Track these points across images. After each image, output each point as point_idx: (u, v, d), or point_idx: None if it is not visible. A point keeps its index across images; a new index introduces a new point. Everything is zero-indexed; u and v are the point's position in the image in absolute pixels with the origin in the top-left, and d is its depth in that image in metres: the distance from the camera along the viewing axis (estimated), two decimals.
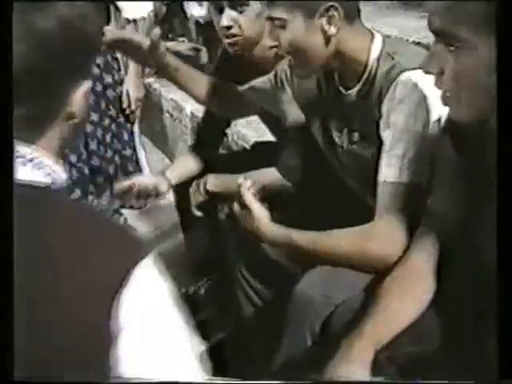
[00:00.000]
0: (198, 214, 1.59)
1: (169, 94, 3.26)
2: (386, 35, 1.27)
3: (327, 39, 1.17)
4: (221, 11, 1.52)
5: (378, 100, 1.17)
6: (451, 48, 0.86)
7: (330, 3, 1.14)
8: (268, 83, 1.50)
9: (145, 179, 1.73)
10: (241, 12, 1.50)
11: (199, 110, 2.22)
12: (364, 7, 1.32)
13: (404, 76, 1.13)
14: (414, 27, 2.43)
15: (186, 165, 1.71)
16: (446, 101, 0.92)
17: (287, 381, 1.07)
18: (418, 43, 2.13)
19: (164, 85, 3.40)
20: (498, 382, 0.70)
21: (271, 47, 1.21)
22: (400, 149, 1.11)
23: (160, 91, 3.38)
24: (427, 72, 0.91)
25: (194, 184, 1.60)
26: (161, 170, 1.76)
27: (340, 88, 1.26)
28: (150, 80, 3.55)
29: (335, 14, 1.15)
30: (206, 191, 1.57)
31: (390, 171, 1.12)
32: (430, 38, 2.12)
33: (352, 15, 1.19)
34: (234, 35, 1.52)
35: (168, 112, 3.28)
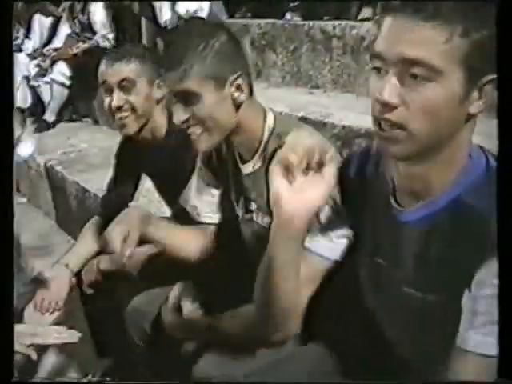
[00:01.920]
0: (90, 291, 1.63)
1: (71, 176, 3.26)
2: (278, 112, 1.38)
3: (237, 107, 1.24)
4: (111, 92, 1.61)
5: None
6: (415, 78, 0.79)
7: (239, 73, 1.22)
8: None
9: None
10: (130, 93, 1.59)
11: (102, 191, 2.24)
12: (259, 84, 1.45)
13: (287, 137, 1.21)
14: (303, 103, 2.64)
15: (86, 247, 1.72)
16: (389, 136, 0.84)
17: None
18: (305, 119, 2.32)
19: (65, 167, 3.40)
20: (498, 381, 0.75)
21: (183, 122, 1.22)
22: None
23: (62, 174, 3.37)
24: (386, 103, 0.81)
25: (87, 264, 1.64)
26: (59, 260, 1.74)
27: (238, 161, 1.35)
28: (52, 162, 3.54)
29: (243, 82, 1.23)
30: (100, 271, 1.61)
31: None
32: (315, 114, 2.34)
33: (251, 89, 1.28)
34: (126, 116, 1.60)
35: (72, 194, 3.27)
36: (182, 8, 4.00)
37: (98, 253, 1.68)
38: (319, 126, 2.22)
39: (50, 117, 4.76)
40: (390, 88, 0.81)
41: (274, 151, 1.23)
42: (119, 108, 1.60)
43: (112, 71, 1.60)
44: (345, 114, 2.33)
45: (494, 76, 0.80)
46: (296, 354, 1.17)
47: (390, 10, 0.81)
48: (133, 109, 1.60)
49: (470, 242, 0.83)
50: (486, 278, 0.81)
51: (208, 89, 1.20)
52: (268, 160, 1.26)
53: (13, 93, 0.60)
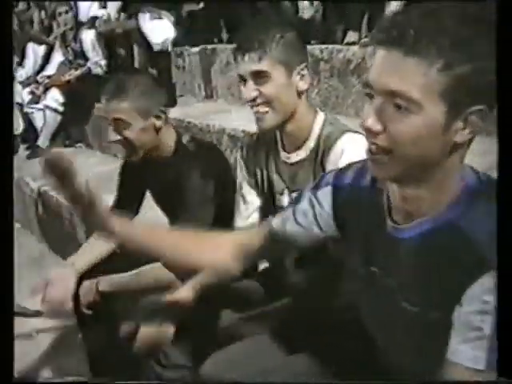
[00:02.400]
0: (88, 312, 1.63)
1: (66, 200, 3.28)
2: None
3: (299, 94, 1.38)
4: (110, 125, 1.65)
5: (320, 160, 1.37)
6: (399, 108, 0.83)
7: (305, 64, 1.38)
8: None
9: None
10: (125, 130, 1.63)
11: None
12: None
13: (343, 136, 1.35)
14: None
15: (93, 251, 1.72)
16: (375, 158, 0.89)
17: None
18: None
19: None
20: (498, 380, 0.77)
21: (252, 100, 1.35)
22: None
23: (57, 199, 3.40)
24: (369, 129, 0.86)
25: (84, 285, 1.64)
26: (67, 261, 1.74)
27: (282, 152, 1.46)
28: (46, 188, 3.58)
29: (306, 73, 1.39)
30: (99, 292, 1.62)
31: None
32: None
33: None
34: (126, 147, 1.66)
35: (66, 219, 3.30)
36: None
37: (99, 266, 1.69)
38: None
39: (43, 143, 4.81)
40: (373, 115, 0.86)
41: (327, 136, 1.37)
42: (117, 141, 1.64)
43: (107, 108, 1.64)
44: None
45: (480, 107, 0.82)
46: (282, 365, 1.19)
47: (379, 41, 0.86)
48: (130, 142, 1.64)
49: (461, 260, 0.87)
50: (478, 294, 0.84)
51: (279, 72, 1.35)
52: (314, 154, 1.38)
53: (13, 96, 0.63)
